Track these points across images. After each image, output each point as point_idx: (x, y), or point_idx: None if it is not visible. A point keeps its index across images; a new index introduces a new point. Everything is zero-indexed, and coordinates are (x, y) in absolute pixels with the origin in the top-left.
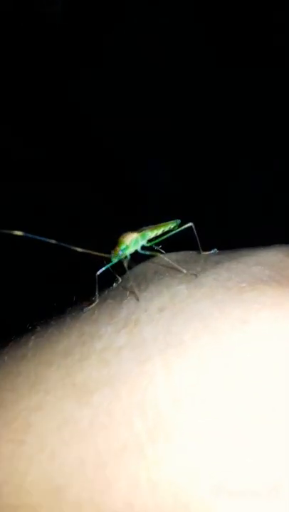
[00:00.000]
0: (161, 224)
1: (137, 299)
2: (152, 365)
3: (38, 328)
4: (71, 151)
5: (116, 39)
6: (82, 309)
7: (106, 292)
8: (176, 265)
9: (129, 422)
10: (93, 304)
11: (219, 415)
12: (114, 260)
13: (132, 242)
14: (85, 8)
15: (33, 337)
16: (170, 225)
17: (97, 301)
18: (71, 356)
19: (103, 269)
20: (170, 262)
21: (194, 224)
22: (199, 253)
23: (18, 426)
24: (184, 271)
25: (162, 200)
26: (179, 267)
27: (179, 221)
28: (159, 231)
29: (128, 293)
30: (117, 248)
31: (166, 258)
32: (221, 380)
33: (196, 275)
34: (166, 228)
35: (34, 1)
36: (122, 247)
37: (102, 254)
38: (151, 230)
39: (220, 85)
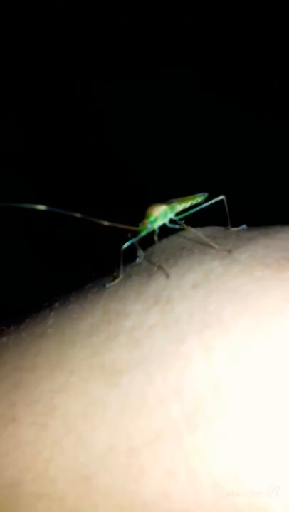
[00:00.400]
0: (189, 197)
1: (167, 275)
2: (190, 346)
3: (57, 304)
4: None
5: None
6: (104, 285)
7: (129, 268)
8: (206, 240)
9: (165, 407)
10: (117, 280)
11: (266, 402)
12: (143, 233)
13: (161, 214)
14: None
15: (52, 313)
16: (198, 198)
17: (121, 276)
18: (96, 335)
19: (129, 243)
20: (200, 236)
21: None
22: (227, 229)
23: (41, 408)
24: (216, 246)
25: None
26: (211, 242)
27: (206, 194)
28: (187, 204)
29: (155, 268)
30: (146, 221)
31: (197, 232)
32: (265, 364)
33: (229, 251)
34: (194, 202)
35: None
36: (151, 219)
37: (130, 227)
38: (180, 202)
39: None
